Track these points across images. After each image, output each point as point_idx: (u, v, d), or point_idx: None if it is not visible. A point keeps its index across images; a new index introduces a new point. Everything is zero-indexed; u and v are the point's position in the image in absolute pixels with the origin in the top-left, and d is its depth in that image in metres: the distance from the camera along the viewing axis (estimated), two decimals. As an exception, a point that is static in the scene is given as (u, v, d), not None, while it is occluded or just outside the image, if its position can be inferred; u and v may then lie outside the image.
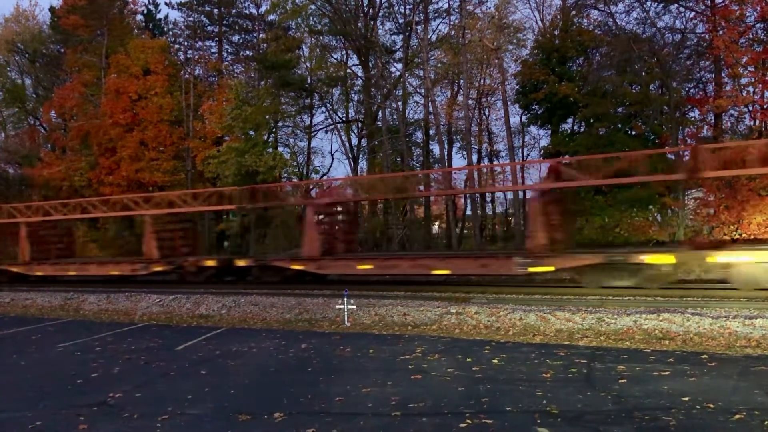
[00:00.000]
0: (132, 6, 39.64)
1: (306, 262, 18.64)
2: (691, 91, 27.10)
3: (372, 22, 34.13)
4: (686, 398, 7.02)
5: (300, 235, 20.95)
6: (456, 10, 32.66)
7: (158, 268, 21.07)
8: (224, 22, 37.55)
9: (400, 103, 34.77)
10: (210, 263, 20.80)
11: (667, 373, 8.29)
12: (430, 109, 33.40)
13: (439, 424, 6.45)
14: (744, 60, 23.07)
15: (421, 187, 22.50)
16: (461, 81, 33.44)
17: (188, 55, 38.04)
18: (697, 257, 14.57)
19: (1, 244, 26.43)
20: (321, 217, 19.47)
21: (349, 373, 9.01)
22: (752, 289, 13.46)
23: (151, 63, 33.03)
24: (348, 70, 36.74)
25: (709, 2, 24.41)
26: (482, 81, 35.76)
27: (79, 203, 24.11)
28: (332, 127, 38.11)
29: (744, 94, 23.88)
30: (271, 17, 35.53)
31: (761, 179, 20.64)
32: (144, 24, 39.99)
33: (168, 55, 35.41)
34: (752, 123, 24.56)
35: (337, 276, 19.97)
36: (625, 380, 7.96)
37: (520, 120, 33.66)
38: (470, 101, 34.08)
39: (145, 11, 40.15)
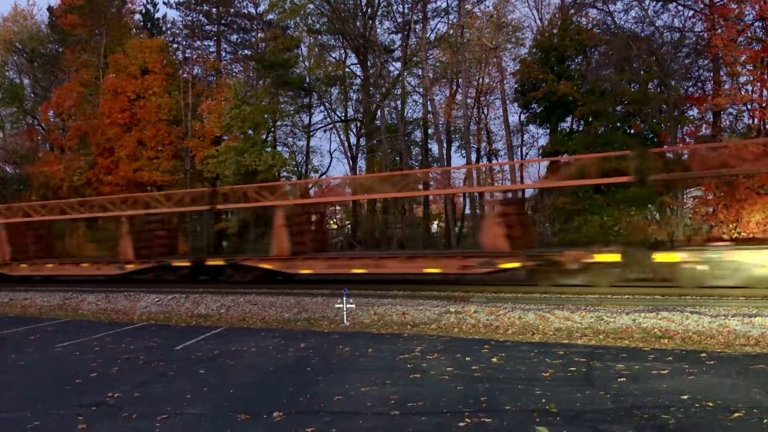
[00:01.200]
0: (130, 5, 39.59)
1: None
2: (690, 89, 27.08)
3: (370, 21, 34.12)
4: (685, 397, 7.03)
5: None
6: (454, 9, 32.60)
7: (508, 265, 16.07)
8: (222, 21, 37.47)
9: (398, 102, 34.77)
10: (608, 258, 14.83)
11: (666, 371, 8.30)
12: (429, 108, 33.41)
13: (438, 424, 6.44)
14: (743, 58, 23.07)
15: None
16: (460, 80, 33.41)
17: (186, 55, 38.01)
18: None
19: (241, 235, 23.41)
20: None
21: (348, 372, 9.00)
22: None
23: (150, 62, 32.96)
24: (346, 69, 36.72)
25: (707, 1, 24.41)
26: (481, 80, 35.73)
27: (352, 181, 19.73)
28: (331, 126, 38.13)
29: (743, 93, 23.87)
30: (270, 16, 35.48)
31: (759, 177, 20.64)
32: (142, 23, 39.91)
33: (166, 55, 35.34)
34: (751, 121, 24.57)
35: None
36: (624, 379, 7.96)
37: (519, 119, 33.70)
38: (469, 100, 34.06)
39: (144, 10, 40.09)
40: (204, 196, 21.67)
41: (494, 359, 9.42)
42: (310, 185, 20.63)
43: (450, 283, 18.38)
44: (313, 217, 21.15)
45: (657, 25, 26.49)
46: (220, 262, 20.56)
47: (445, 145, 34.38)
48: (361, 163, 36.57)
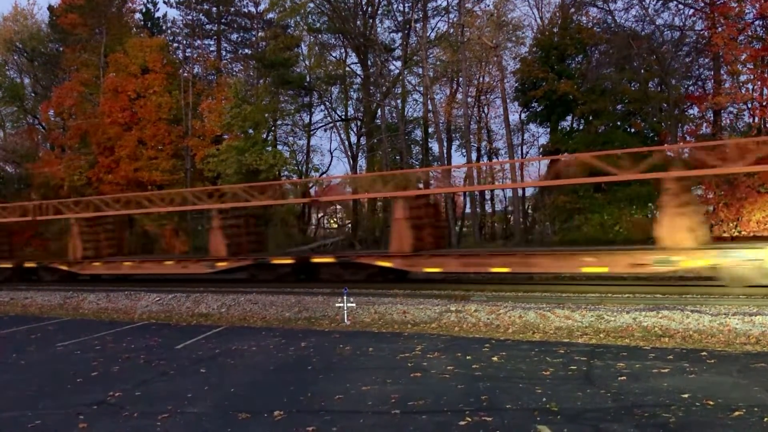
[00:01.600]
0: (130, 4, 39.55)
1: None
2: (690, 88, 27.09)
3: (371, 20, 34.11)
4: (686, 395, 7.03)
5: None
6: (455, 7, 32.60)
7: (694, 264, 13.68)
8: (223, 20, 37.49)
9: (399, 101, 34.76)
10: None
11: (666, 370, 8.30)
12: (429, 107, 33.41)
13: (438, 422, 6.45)
14: (743, 57, 23.07)
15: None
16: (460, 79, 33.42)
17: (187, 54, 38.01)
18: None
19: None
20: None
21: (349, 371, 9.01)
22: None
23: (150, 61, 32.93)
24: (347, 69, 36.73)
25: (708, -1, 24.41)
26: (481, 79, 35.76)
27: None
28: (331, 125, 38.17)
29: (743, 91, 23.87)
30: (270, 15, 35.50)
31: (759, 176, 20.63)
32: (142, 22, 39.89)
33: (166, 54, 35.31)
34: (751, 120, 24.56)
35: None
36: (625, 377, 7.96)
37: (519, 118, 33.76)
38: (469, 99, 34.07)
39: (144, 9, 40.04)
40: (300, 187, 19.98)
41: (495, 358, 9.42)
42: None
43: (450, 281, 18.40)
44: (431, 210, 19.38)
45: (657, 23, 26.52)
46: (329, 260, 19.11)
47: (445, 143, 34.41)
48: (362, 162, 36.62)
